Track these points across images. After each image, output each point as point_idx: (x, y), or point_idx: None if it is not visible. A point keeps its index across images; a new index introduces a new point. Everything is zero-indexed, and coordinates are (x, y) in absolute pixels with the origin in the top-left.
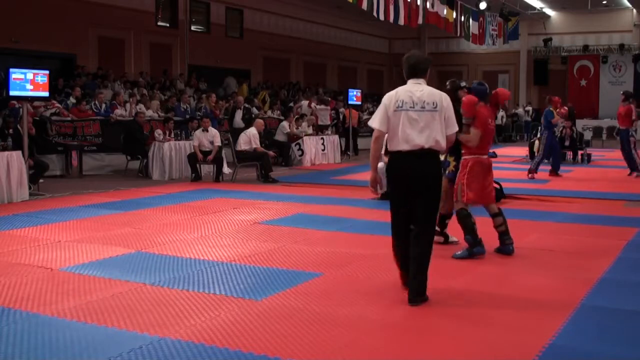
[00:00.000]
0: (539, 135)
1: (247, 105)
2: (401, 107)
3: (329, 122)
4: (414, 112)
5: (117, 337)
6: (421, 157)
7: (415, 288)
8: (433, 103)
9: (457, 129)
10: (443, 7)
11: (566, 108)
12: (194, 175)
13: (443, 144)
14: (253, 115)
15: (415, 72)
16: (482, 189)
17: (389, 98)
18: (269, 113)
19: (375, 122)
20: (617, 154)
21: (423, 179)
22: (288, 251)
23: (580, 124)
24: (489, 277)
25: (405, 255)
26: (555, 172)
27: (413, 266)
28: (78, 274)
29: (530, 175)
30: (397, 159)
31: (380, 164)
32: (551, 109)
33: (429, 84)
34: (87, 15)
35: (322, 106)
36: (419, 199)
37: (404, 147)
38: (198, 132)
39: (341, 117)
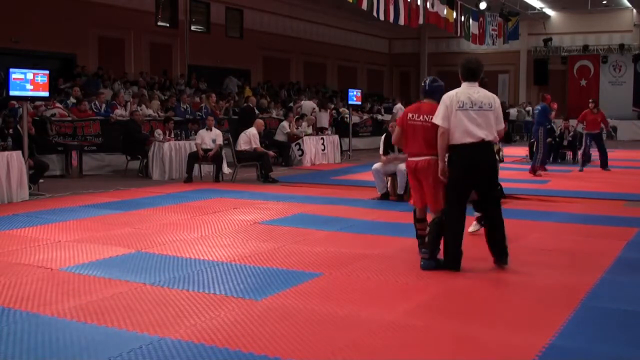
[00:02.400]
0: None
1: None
2: (462, 107)
3: (327, 126)
4: (473, 112)
5: (117, 337)
6: (481, 147)
7: (505, 250)
8: (489, 104)
9: (504, 125)
10: (443, 7)
11: (556, 105)
12: (187, 175)
13: (496, 136)
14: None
15: (473, 75)
16: (414, 191)
17: (450, 98)
18: (274, 113)
19: (439, 119)
20: (617, 154)
21: (484, 164)
22: (288, 251)
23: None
24: (488, 277)
25: (462, 231)
26: (543, 168)
27: (499, 233)
28: (78, 274)
29: (538, 173)
30: (462, 149)
31: (376, 165)
32: (546, 105)
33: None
34: (87, 15)
35: (322, 111)
36: (483, 181)
37: (468, 139)
38: (202, 131)
39: (339, 117)
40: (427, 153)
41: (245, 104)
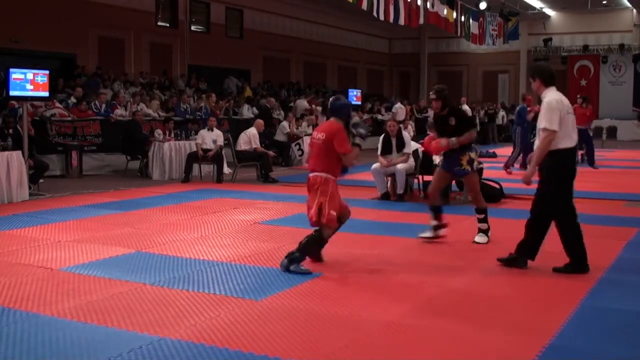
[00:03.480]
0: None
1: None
2: (568, 112)
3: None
4: (571, 115)
5: (117, 337)
6: (574, 150)
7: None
8: (570, 108)
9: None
10: (443, 7)
11: (538, 107)
12: (184, 175)
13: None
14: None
15: (554, 80)
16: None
17: (559, 103)
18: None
19: (555, 124)
20: (617, 153)
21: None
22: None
23: None
24: (488, 277)
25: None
26: (521, 166)
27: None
28: (78, 274)
29: (508, 170)
30: (568, 154)
31: (376, 165)
32: (525, 106)
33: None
34: (87, 15)
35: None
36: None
37: (571, 144)
38: (203, 131)
39: None
40: (319, 170)
41: (264, 105)
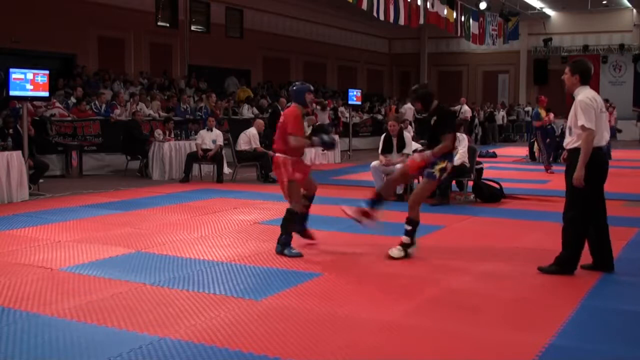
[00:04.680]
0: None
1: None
2: (602, 110)
3: (328, 122)
4: (604, 114)
5: (117, 337)
6: (605, 149)
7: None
8: (604, 106)
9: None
10: (443, 7)
11: (552, 115)
12: (184, 175)
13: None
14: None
15: (590, 79)
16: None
17: (594, 101)
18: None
19: (592, 123)
20: (617, 153)
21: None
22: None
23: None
24: (488, 277)
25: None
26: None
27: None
28: (78, 274)
29: (550, 171)
30: (599, 153)
31: (375, 163)
32: (539, 110)
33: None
34: (87, 15)
35: (319, 108)
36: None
37: (603, 143)
38: (203, 131)
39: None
40: (280, 151)
41: (275, 105)
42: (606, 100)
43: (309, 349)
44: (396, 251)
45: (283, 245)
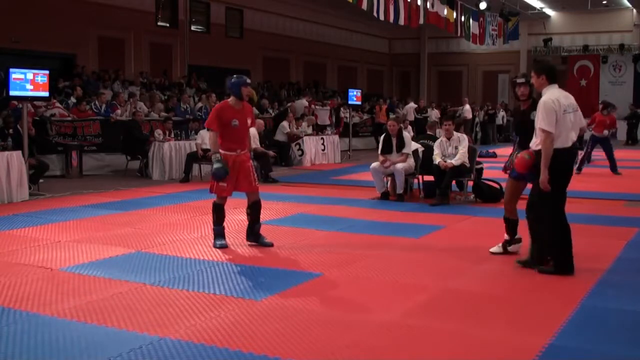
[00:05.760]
0: None
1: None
2: (566, 110)
3: (328, 122)
4: (571, 114)
5: (117, 337)
6: (573, 150)
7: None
8: (574, 106)
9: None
10: (443, 7)
11: None
12: (184, 175)
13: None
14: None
15: (556, 78)
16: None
17: (555, 103)
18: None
19: (550, 126)
20: (617, 153)
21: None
22: (288, 251)
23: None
24: (488, 277)
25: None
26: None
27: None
28: (78, 274)
29: (578, 172)
30: (563, 154)
31: (375, 164)
32: None
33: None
34: (87, 15)
35: (320, 106)
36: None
37: (568, 144)
38: (203, 131)
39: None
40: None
41: (286, 108)
42: (606, 103)
43: (309, 349)
44: (495, 248)
45: (215, 237)
